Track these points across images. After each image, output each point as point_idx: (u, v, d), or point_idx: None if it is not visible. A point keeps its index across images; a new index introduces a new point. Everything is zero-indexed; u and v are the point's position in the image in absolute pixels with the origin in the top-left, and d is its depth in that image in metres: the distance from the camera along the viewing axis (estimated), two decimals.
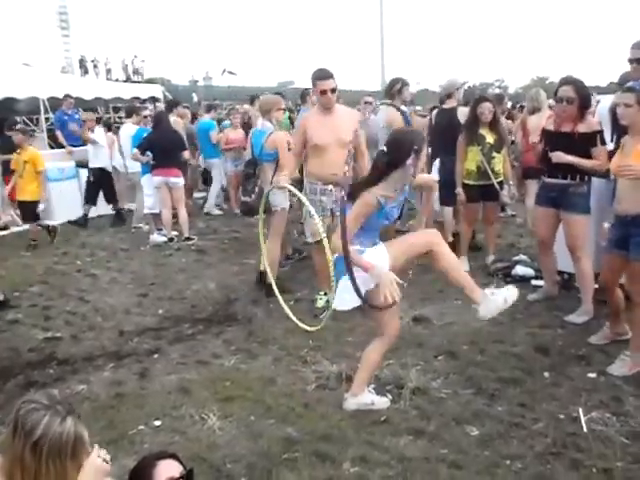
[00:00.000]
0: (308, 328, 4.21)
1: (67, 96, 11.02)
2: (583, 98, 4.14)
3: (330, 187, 4.53)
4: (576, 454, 2.75)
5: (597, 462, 2.68)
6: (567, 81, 4.25)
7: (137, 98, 15.04)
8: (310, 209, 4.11)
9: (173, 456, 2.19)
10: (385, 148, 2.95)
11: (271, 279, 4.80)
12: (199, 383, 3.65)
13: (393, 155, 2.92)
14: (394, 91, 6.27)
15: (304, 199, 4.31)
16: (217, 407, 3.32)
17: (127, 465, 2.56)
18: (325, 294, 4.84)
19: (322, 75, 4.43)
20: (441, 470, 2.67)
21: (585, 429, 2.94)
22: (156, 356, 4.12)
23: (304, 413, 3.24)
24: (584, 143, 4.13)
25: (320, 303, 4.85)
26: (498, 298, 2.99)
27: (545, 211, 4.50)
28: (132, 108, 9.32)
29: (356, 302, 3.00)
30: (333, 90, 4.43)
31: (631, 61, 4.12)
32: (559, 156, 4.16)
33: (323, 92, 4.41)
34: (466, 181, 5.69)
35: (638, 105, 3.35)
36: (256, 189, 5.24)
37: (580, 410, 3.10)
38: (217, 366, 3.90)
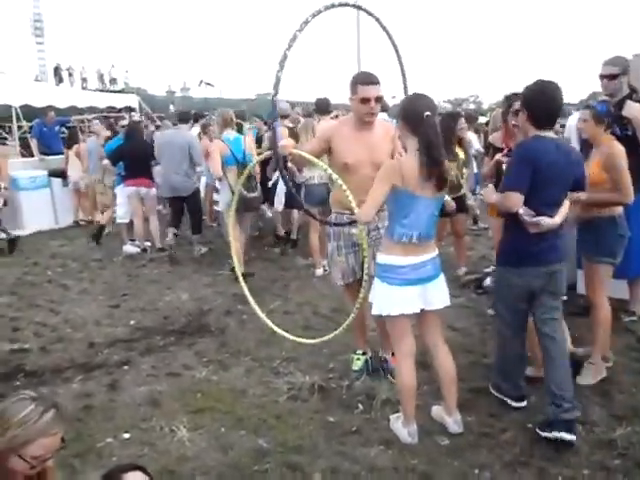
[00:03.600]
0: (302, 340, 3.88)
1: (49, 109, 10.86)
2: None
3: None
4: (543, 463, 2.79)
5: (563, 470, 2.73)
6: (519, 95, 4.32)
7: (112, 108, 14.95)
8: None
9: (140, 468, 2.17)
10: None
11: (244, 288, 4.10)
12: (169, 395, 3.62)
13: None
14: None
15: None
16: (187, 419, 3.29)
17: (94, 479, 2.53)
18: (363, 353, 3.91)
19: (367, 79, 3.41)
20: None
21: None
22: (126, 368, 4.07)
23: (275, 424, 3.23)
24: None
25: (356, 365, 3.87)
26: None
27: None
28: (185, 114, 8.79)
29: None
30: (378, 99, 3.43)
31: (602, 77, 4.23)
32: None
33: (366, 100, 3.37)
34: None
35: (592, 120, 3.54)
36: (258, 185, 6.15)
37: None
38: (188, 377, 3.86)
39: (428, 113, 2.77)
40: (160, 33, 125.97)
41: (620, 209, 3.59)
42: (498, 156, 4.35)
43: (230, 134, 6.21)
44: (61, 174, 9.50)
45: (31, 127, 12.42)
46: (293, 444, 3.02)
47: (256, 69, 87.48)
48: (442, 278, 3.02)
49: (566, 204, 3.05)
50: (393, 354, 3.74)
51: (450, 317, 4.66)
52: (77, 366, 4.12)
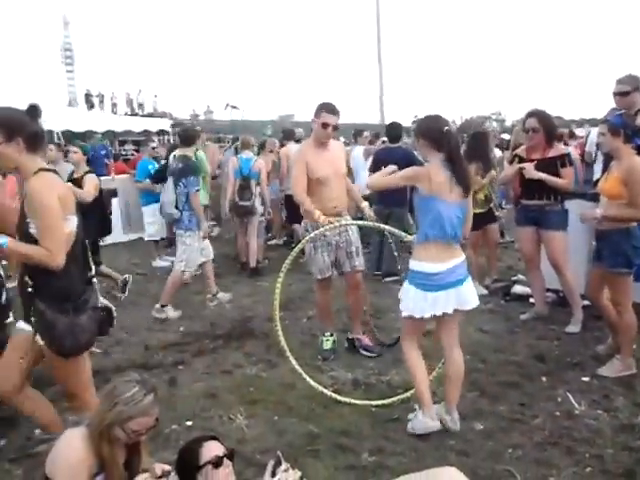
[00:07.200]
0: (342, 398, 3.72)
1: (91, 133, 11.56)
2: (547, 127, 4.68)
3: (332, 219, 4.22)
4: (571, 443, 3.08)
5: (589, 449, 3.01)
6: (532, 113, 4.80)
7: (146, 131, 15.59)
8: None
9: (215, 438, 2.52)
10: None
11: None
12: (224, 389, 3.97)
13: None
14: None
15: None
16: (243, 409, 3.64)
17: (165, 457, 2.88)
18: (331, 335, 4.58)
19: (330, 108, 4.28)
20: (450, 457, 2.99)
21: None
22: (181, 367, 4.44)
23: (323, 413, 3.56)
24: (553, 165, 4.64)
25: (327, 345, 4.53)
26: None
27: (526, 230, 4.94)
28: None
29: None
30: (335, 127, 4.31)
31: (615, 94, 4.57)
32: (530, 170, 4.65)
33: (326, 125, 4.23)
34: (474, 210, 5.96)
35: (609, 133, 3.80)
36: (253, 197, 7.28)
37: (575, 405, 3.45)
38: (240, 374, 4.22)
39: (447, 127, 3.16)
40: (183, 58, 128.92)
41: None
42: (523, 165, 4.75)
43: (245, 154, 7.45)
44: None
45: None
46: (341, 429, 3.35)
47: (278, 92, 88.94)
48: (470, 280, 3.29)
49: None
50: (364, 332, 4.71)
51: (480, 320, 4.98)
52: (137, 366, 4.47)
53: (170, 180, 5.90)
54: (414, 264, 3.21)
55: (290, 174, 7.45)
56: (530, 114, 4.79)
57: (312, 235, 4.15)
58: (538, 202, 4.74)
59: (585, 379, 3.84)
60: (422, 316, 3.17)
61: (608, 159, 4.36)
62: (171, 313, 5.78)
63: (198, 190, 5.77)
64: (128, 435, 2.23)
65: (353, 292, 4.59)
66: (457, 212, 3.18)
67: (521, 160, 4.84)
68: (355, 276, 4.52)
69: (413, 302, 3.18)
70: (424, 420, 3.24)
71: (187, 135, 6.11)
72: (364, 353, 4.51)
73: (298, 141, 8.83)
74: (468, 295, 3.22)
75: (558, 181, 4.61)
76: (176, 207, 5.77)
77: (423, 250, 3.17)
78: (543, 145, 4.69)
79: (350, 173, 7.23)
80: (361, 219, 4.66)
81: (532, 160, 4.73)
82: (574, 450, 3.01)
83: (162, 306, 5.79)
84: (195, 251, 5.80)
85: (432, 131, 3.17)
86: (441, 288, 3.13)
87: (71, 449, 2.16)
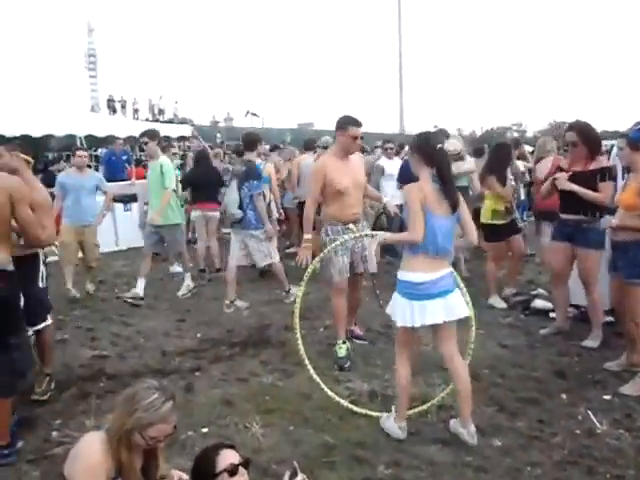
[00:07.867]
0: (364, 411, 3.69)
1: (113, 138, 11.73)
2: (588, 141, 4.55)
3: (350, 225, 4.59)
4: (591, 462, 3.02)
5: (611, 470, 2.95)
6: (571, 126, 4.73)
7: (167, 137, 15.70)
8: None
9: (231, 446, 2.52)
10: None
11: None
12: (241, 397, 3.97)
13: None
14: None
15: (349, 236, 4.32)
16: (259, 417, 3.63)
17: (180, 464, 2.88)
18: (344, 342, 4.64)
19: (357, 122, 4.53)
20: (467, 473, 2.95)
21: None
22: (198, 374, 4.44)
23: (340, 424, 3.54)
24: (593, 179, 4.52)
25: (341, 352, 4.57)
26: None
27: (560, 245, 4.83)
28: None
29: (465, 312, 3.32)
30: (361, 137, 4.65)
31: None
32: (562, 181, 4.57)
33: (355, 138, 4.54)
34: (495, 222, 5.99)
35: (628, 147, 3.81)
36: (266, 201, 6.82)
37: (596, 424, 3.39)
38: (256, 383, 4.21)
39: (440, 145, 3.31)
40: (203, 65, 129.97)
41: None
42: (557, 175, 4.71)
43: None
44: (122, 199, 10.21)
45: (95, 156, 13.23)
46: (357, 441, 3.32)
47: (297, 100, 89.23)
48: (458, 291, 3.33)
49: None
50: (355, 323, 5.11)
51: (500, 335, 4.95)
52: (153, 371, 4.50)
53: (234, 182, 6.19)
54: (401, 274, 3.29)
55: (301, 182, 7.89)
56: (570, 127, 4.72)
57: (333, 245, 4.25)
58: (575, 217, 4.61)
59: (607, 397, 3.78)
60: (412, 325, 3.24)
61: (628, 173, 4.32)
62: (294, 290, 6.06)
63: (260, 193, 6.04)
64: (146, 441, 2.23)
65: (356, 290, 4.95)
66: (447, 224, 3.25)
67: (562, 172, 4.77)
68: (362, 277, 4.95)
69: (401, 311, 3.26)
70: (394, 425, 3.39)
71: (249, 140, 6.33)
72: (356, 342, 4.92)
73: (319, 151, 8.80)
74: (456, 305, 3.26)
75: (592, 194, 4.46)
76: (240, 208, 6.05)
77: (410, 260, 3.26)
78: (585, 158, 4.57)
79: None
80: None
81: (572, 172, 4.62)
82: (595, 470, 2.95)
83: (286, 292, 6.29)
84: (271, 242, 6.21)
85: (426, 147, 3.31)
86: (427, 297, 3.19)
87: (90, 452, 2.17)
